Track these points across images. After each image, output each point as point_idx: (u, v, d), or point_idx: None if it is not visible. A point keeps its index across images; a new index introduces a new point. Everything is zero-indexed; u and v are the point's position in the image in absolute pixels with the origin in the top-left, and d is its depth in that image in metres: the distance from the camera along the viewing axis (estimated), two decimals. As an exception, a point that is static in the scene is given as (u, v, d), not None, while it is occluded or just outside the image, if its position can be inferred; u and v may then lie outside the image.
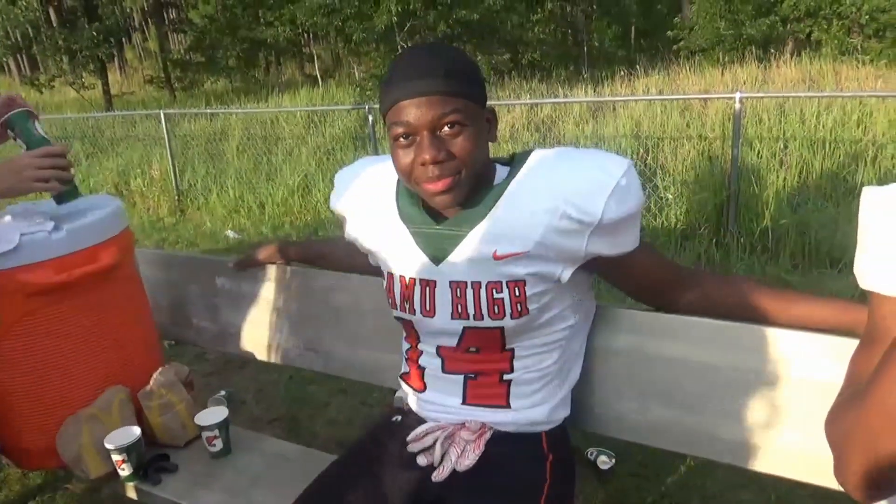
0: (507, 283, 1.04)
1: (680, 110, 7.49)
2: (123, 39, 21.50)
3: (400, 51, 11.60)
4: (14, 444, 1.58)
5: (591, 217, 0.99)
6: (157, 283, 1.87)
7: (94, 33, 14.86)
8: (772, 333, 1.11)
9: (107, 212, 1.58)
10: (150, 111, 8.81)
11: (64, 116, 11.22)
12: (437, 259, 1.08)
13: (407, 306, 1.14)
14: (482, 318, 1.07)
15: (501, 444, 1.12)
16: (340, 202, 1.25)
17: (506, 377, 1.13)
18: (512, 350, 1.11)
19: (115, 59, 20.60)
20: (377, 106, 6.64)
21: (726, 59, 13.27)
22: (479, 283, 1.06)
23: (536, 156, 1.07)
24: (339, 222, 1.31)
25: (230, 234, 5.78)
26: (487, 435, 1.13)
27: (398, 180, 1.14)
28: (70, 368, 1.54)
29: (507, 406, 1.14)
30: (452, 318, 1.09)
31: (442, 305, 1.10)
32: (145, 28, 22.99)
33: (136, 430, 1.50)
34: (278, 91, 14.57)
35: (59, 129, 9.96)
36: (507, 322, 1.06)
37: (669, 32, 16.31)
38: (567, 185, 1.01)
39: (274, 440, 1.66)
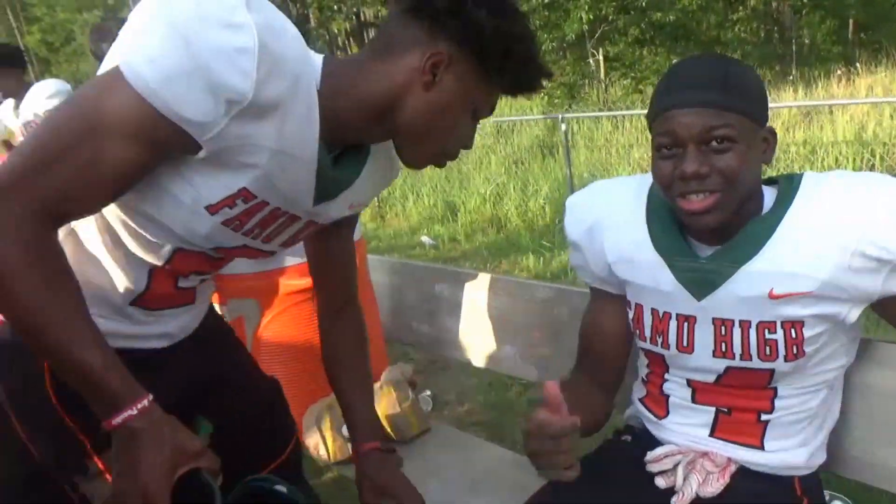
0: (781, 323, 0.97)
1: (917, 112, 6.59)
2: (329, 58, 23.51)
3: (590, 58, 11.53)
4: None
5: (891, 254, 0.89)
6: (382, 287, 2.02)
7: (306, 54, 16.46)
8: None
9: (348, 221, 1.73)
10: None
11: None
12: (699, 294, 1.02)
13: (660, 340, 1.09)
14: (750, 360, 1.00)
15: (750, 480, 1.06)
16: (579, 230, 1.17)
17: (763, 417, 1.05)
18: (774, 389, 1.03)
19: (322, 76, 22.59)
20: (569, 115, 6.68)
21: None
22: (749, 322, 0.99)
23: (811, 182, 0.98)
24: (572, 248, 1.22)
25: (425, 240, 6.06)
26: (732, 468, 1.07)
27: (647, 205, 1.08)
28: (313, 360, 1.70)
29: (761, 447, 1.06)
30: (714, 356, 1.03)
31: (702, 343, 1.04)
32: (348, 48, 24.99)
33: (370, 423, 1.63)
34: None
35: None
36: (780, 365, 0.99)
37: (899, 24, 14.41)
38: (861, 219, 0.91)
39: (491, 445, 1.71)
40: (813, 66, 13.18)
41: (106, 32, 2.88)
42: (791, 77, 12.05)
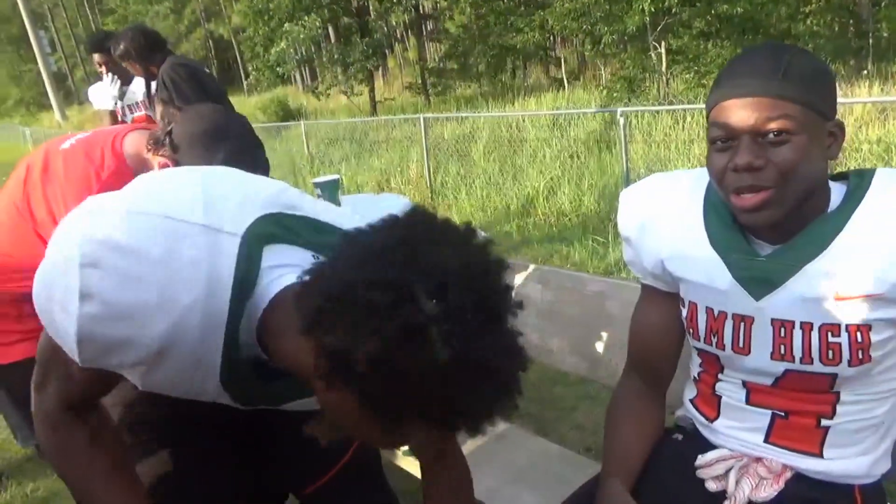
0: (846, 326, 0.91)
1: None
2: (387, 51, 23.71)
3: (651, 51, 11.23)
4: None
5: None
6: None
7: (365, 47, 16.59)
8: None
9: (400, 211, 1.74)
10: (410, 115, 9.59)
11: (336, 121, 12.71)
12: (757, 293, 0.97)
13: (714, 340, 1.04)
14: (811, 363, 0.95)
15: (806, 486, 1.01)
16: (632, 224, 1.12)
17: (824, 423, 1.00)
18: (837, 394, 0.98)
19: (380, 68, 22.77)
20: (628, 109, 6.53)
21: None
22: (811, 324, 0.94)
23: (884, 178, 0.92)
24: (626, 244, 1.16)
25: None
26: (788, 475, 1.02)
27: (705, 200, 1.03)
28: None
29: (819, 455, 1.01)
30: (773, 358, 0.98)
31: (760, 344, 0.99)
32: (406, 39, 25.12)
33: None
34: (524, 94, 14.92)
35: (332, 133, 11.28)
36: (843, 369, 0.94)
37: None
38: None
39: (537, 438, 1.70)
40: (891, 60, 12.52)
41: (113, 40, 3.37)
42: (866, 72, 11.47)
